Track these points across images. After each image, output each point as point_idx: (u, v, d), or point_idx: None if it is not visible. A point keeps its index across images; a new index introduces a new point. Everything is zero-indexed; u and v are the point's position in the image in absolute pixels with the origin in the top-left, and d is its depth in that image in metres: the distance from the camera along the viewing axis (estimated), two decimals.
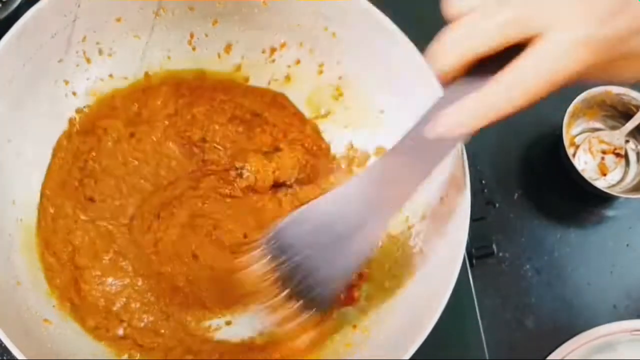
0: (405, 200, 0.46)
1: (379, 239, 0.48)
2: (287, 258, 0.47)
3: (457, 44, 0.38)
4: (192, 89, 0.61)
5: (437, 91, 0.52)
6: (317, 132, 0.62)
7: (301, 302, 0.48)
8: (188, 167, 0.59)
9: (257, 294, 0.48)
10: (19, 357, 0.44)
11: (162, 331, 0.54)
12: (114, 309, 0.54)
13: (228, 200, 0.59)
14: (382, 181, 0.45)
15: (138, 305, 0.55)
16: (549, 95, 0.37)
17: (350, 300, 0.56)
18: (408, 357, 0.47)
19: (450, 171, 0.53)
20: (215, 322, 0.56)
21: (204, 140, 0.60)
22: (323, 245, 0.47)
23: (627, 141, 0.70)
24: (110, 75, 0.59)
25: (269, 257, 0.48)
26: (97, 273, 0.55)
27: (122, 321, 0.54)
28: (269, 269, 0.48)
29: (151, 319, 0.54)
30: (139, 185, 0.58)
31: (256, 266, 0.48)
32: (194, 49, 0.61)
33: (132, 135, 0.59)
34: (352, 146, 0.61)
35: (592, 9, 0.34)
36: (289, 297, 0.48)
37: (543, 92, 0.36)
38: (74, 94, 0.58)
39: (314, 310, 0.49)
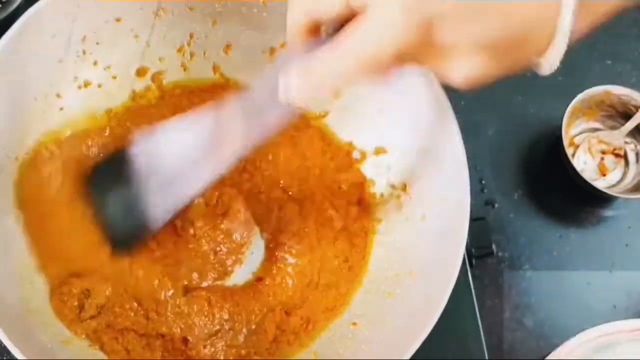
0: (231, 156, 0.46)
1: (198, 187, 0.49)
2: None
3: (300, 6, 0.39)
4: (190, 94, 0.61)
5: (437, 90, 0.53)
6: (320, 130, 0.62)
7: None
8: None
9: None
10: (19, 357, 0.44)
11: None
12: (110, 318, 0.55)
13: None
14: (216, 128, 0.46)
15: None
16: (380, 73, 0.37)
17: None
18: (408, 357, 0.47)
19: (450, 171, 0.53)
20: None
21: None
22: (155, 173, 0.48)
23: (627, 142, 0.70)
24: (114, 77, 0.59)
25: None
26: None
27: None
28: None
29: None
30: None
31: None
32: (191, 55, 0.61)
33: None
34: (351, 145, 0.61)
35: None
36: None
37: (366, 66, 0.36)
38: (75, 91, 0.58)
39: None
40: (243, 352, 0.55)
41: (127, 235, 0.52)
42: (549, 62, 0.36)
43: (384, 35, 0.35)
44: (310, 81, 0.38)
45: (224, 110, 0.46)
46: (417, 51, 0.35)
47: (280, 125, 0.44)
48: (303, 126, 0.62)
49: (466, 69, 0.36)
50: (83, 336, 0.53)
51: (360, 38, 0.35)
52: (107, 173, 0.51)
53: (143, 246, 0.54)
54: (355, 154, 0.61)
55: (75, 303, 0.53)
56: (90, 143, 0.58)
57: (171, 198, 0.49)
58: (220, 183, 0.56)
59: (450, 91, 0.53)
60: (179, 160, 0.48)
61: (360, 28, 0.35)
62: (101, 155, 0.56)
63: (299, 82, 0.38)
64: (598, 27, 0.37)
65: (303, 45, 0.39)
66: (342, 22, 0.37)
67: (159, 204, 0.49)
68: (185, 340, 0.54)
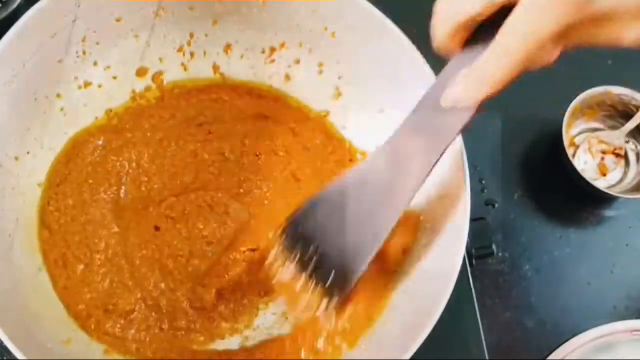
0: (420, 180, 0.45)
1: (394, 222, 0.46)
2: (302, 248, 0.47)
3: (449, 11, 0.40)
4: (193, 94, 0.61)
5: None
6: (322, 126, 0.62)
7: (320, 287, 0.48)
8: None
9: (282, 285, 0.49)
10: (19, 357, 0.44)
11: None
12: (114, 312, 0.55)
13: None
14: (396, 161, 0.45)
15: (141, 316, 0.55)
16: (545, 57, 0.38)
17: None
18: (408, 357, 0.47)
19: (450, 171, 0.53)
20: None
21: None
22: (336, 232, 0.46)
23: (627, 141, 0.70)
24: (114, 77, 0.59)
25: (285, 251, 0.48)
26: (98, 277, 0.55)
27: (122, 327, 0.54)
28: (287, 262, 0.48)
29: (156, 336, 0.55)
30: (150, 185, 0.59)
31: (274, 260, 0.48)
32: (191, 55, 0.61)
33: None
34: (351, 146, 0.61)
35: None
36: (309, 283, 0.48)
37: (533, 49, 0.37)
38: (75, 91, 0.58)
39: (334, 297, 0.48)
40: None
41: (340, 283, 0.48)
42: None
43: (541, 14, 0.36)
44: (481, 84, 0.39)
45: (397, 143, 0.45)
46: (580, 25, 0.36)
47: (460, 132, 0.43)
48: (304, 119, 0.62)
49: (635, 33, 0.37)
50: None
51: (520, 25, 0.36)
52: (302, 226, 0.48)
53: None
54: (358, 157, 0.61)
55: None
56: (90, 143, 0.58)
57: (370, 240, 0.47)
58: None
59: None
60: (364, 206, 0.46)
61: (519, 16, 0.36)
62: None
63: (470, 89, 0.40)
64: None
65: (457, 54, 0.41)
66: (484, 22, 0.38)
67: (359, 248, 0.47)
68: None
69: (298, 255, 0.48)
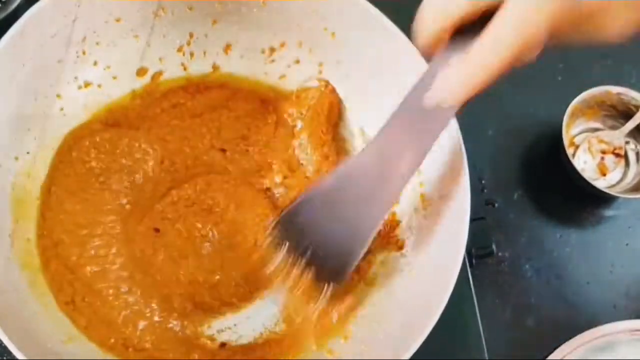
0: (407, 177, 0.46)
1: (386, 213, 0.48)
2: (297, 241, 0.49)
3: (433, 13, 0.40)
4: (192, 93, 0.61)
5: None
6: None
7: (314, 275, 0.49)
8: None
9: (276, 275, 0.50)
10: (19, 357, 0.44)
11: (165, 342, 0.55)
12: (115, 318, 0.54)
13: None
14: (383, 157, 0.45)
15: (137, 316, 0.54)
16: (533, 49, 0.37)
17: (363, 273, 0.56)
18: (408, 357, 0.47)
19: (450, 171, 0.53)
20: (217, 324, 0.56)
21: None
22: (330, 223, 0.47)
23: (627, 142, 0.70)
24: (114, 77, 0.59)
25: (280, 243, 0.49)
26: (92, 273, 0.55)
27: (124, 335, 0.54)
28: (282, 253, 0.49)
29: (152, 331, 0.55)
30: (144, 182, 0.58)
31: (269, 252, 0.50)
32: (191, 55, 0.61)
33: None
34: (350, 144, 0.62)
35: None
36: (303, 276, 0.49)
37: (521, 46, 0.37)
38: (75, 91, 0.58)
39: (329, 284, 0.50)
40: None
41: (333, 276, 0.50)
42: None
43: (531, 12, 0.35)
44: (468, 81, 0.39)
45: (385, 139, 0.45)
46: (569, 20, 0.36)
47: (445, 128, 0.44)
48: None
49: (619, 27, 0.37)
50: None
51: (510, 22, 0.36)
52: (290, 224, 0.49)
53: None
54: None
55: None
56: (90, 144, 0.58)
57: (357, 234, 0.48)
58: None
59: None
60: (354, 200, 0.47)
61: (507, 13, 0.36)
62: None
63: (453, 86, 0.39)
64: None
65: (439, 53, 0.40)
66: (469, 23, 0.38)
67: (350, 242, 0.48)
68: None
69: (292, 249, 0.49)
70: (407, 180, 0.46)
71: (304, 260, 0.49)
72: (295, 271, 0.49)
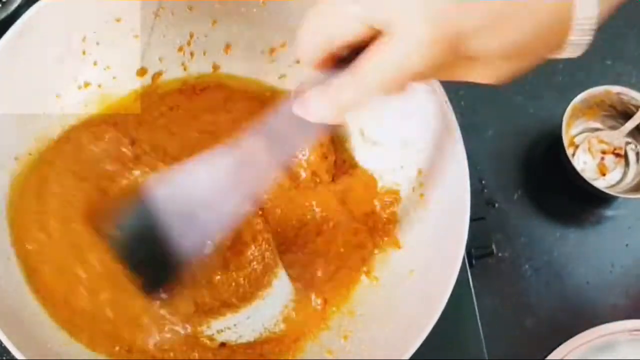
0: (262, 183, 0.47)
1: (232, 218, 0.48)
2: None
3: (314, 33, 0.38)
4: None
5: (437, 90, 0.53)
6: None
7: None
8: None
9: None
10: (19, 357, 0.44)
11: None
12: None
13: None
14: (240, 162, 0.46)
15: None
16: (401, 88, 0.36)
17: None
18: (408, 357, 0.47)
19: (450, 171, 0.53)
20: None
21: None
22: (180, 213, 0.47)
23: (627, 142, 0.70)
24: (114, 77, 0.59)
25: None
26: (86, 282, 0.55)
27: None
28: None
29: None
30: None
31: None
32: (191, 55, 0.61)
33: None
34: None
35: (433, 5, 0.34)
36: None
37: (391, 84, 0.36)
38: (75, 91, 0.58)
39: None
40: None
41: (160, 276, 0.50)
42: (574, 44, 0.37)
43: (411, 53, 0.34)
44: (332, 104, 0.38)
45: (244, 146, 0.45)
46: (442, 65, 0.35)
47: (307, 145, 0.45)
48: None
49: (496, 73, 0.37)
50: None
51: (386, 58, 0.35)
52: (129, 218, 0.49)
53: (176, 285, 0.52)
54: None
55: None
56: (90, 143, 0.58)
57: (199, 236, 0.48)
58: None
59: (450, 92, 0.53)
60: (202, 200, 0.47)
61: (385, 48, 0.35)
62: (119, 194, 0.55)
63: (320, 106, 0.38)
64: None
65: (319, 74, 0.39)
66: (356, 46, 0.37)
67: (188, 242, 0.48)
68: None
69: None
70: (250, 193, 0.47)
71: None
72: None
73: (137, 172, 0.57)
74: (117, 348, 0.53)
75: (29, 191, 0.55)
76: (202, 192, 0.47)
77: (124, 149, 0.58)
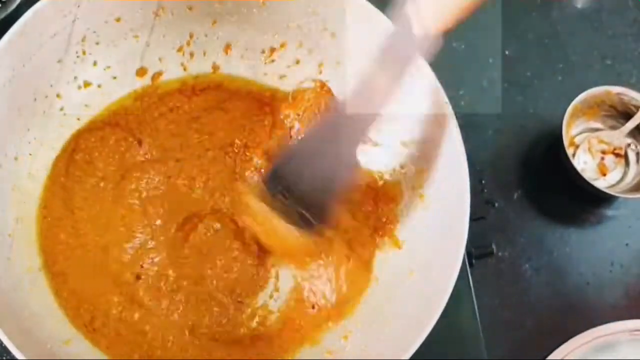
0: (373, 120, 0.50)
1: (354, 163, 0.54)
2: (283, 189, 0.53)
3: None
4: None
5: (437, 90, 0.53)
6: None
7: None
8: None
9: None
10: (18, 357, 0.44)
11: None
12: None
13: None
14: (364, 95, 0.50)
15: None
16: None
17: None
18: (408, 357, 0.47)
19: (450, 171, 0.53)
20: None
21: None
22: (309, 173, 0.52)
23: (629, 144, 0.70)
24: (114, 77, 0.59)
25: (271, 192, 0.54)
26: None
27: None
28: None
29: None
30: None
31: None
32: (191, 55, 0.61)
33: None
34: None
35: None
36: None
37: None
38: (75, 91, 0.58)
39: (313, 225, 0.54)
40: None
41: (323, 211, 0.54)
42: None
43: None
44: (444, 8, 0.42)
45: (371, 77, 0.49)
46: None
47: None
48: None
49: None
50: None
51: None
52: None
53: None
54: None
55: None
56: (90, 143, 0.58)
57: (334, 175, 0.53)
58: None
59: (450, 92, 0.53)
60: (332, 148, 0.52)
61: None
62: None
63: (435, 11, 0.43)
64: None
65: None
66: None
67: (327, 183, 0.53)
68: None
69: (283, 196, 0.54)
70: (366, 131, 0.52)
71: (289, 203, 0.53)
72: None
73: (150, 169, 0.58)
74: (136, 356, 0.53)
75: (54, 199, 0.56)
76: (323, 149, 0.52)
77: (132, 148, 0.59)
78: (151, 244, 0.56)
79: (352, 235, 0.58)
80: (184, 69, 0.62)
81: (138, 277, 0.55)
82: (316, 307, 0.56)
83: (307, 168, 0.53)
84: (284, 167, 0.54)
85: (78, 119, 0.58)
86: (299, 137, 0.57)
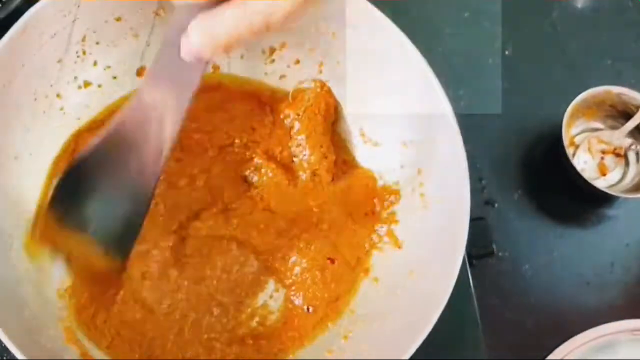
0: (174, 127, 0.46)
1: (158, 172, 0.49)
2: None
3: None
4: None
5: (437, 90, 0.53)
6: None
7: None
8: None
9: None
10: (18, 357, 0.44)
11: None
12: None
13: None
14: (147, 113, 0.46)
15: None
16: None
17: None
18: (408, 357, 0.47)
19: (450, 171, 0.53)
20: None
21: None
22: (109, 189, 0.49)
23: (629, 145, 0.70)
24: (114, 77, 0.59)
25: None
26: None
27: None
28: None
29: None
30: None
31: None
32: None
33: None
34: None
35: None
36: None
37: (272, 13, 0.38)
38: (75, 91, 0.58)
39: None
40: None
41: (122, 240, 0.51)
42: None
43: None
44: (215, 36, 0.38)
45: (143, 93, 0.46)
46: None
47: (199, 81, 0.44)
48: None
49: None
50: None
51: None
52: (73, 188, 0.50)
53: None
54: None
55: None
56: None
57: (139, 188, 0.49)
58: None
59: (450, 92, 0.53)
60: (126, 155, 0.48)
61: None
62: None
63: (203, 39, 0.38)
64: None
65: (196, 5, 0.39)
66: None
67: (130, 200, 0.49)
68: None
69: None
70: (174, 131, 0.46)
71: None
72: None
73: None
74: (136, 355, 0.53)
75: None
76: (122, 152, 0.47)
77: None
78: (152, 243, 0.56)
79: (344, 237, 0.58)
80: None
81: (143, 277, 0.55)
82: (311, 308, 0.56)
83: (103, 185, 0.49)
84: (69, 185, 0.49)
85: (78, 119, 0.58)
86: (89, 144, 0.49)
